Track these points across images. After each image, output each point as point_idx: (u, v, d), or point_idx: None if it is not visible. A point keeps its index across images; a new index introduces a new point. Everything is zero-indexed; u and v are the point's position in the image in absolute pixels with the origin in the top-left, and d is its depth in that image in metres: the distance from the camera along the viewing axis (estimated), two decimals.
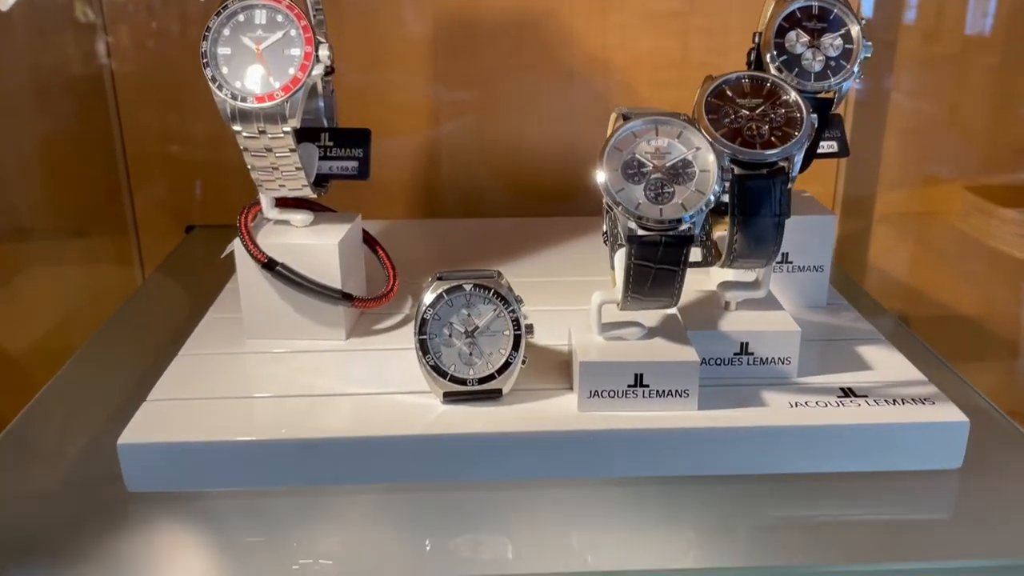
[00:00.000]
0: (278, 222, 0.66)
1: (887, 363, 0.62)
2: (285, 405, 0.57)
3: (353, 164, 0.66)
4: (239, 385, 0.60)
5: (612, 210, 0.53)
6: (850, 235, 1.08)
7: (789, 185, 0.56)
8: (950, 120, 1.07)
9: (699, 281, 0.68)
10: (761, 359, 0.58)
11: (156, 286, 0.90)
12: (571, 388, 0.58)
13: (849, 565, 0.49)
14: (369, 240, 0.71)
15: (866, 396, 0.57)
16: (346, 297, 0.63)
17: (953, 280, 1.08)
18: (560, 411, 0.55)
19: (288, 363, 0.62)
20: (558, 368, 0.60)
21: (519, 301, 0.56)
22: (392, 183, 1.02)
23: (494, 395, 0.56)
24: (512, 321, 0.55)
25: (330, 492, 0.54)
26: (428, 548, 0.50)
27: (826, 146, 0.70)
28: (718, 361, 0.59)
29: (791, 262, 0.69)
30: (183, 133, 1.00)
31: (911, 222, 1.09)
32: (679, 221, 0.50)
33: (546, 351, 0.63)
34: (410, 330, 0.58)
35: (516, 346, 0.55)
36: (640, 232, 0.51)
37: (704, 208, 0.50)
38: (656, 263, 0.51)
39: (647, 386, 0.54)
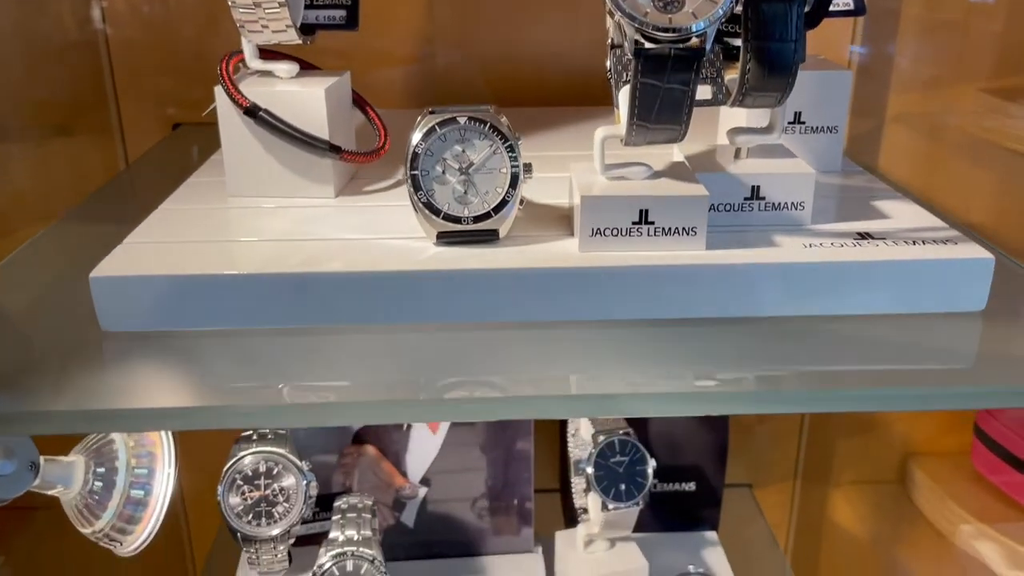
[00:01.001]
0: (262, 73, 0.62)
1: (906, 212, 0.58)
2: (270, 247, 0.54)
3: (341, 13, 0.62)
4: (222, 230, 0.57)
5: (617, 32, 0.50)
6: (860, 135, 1.05)
7: (806, 8, 0.52)
8: (965, 21, 1.03)
9: (708, 134, 0.64)
10: (773, 204, 0.55)
11: (139, 170, 0.87)
12: (572, 234, 0.54)
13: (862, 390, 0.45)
14: (359, 101, 0.67)
15: (884, 238, 0.54)
16: (333, 149, 0.60)
17: (968, 178, 1.05)
18: (560, 252, 0.52)
19: (274, 214, 0.59)
20: (559, 221, 0.57)
21: (517, 138, 0.53)
22: (384, 75, 0.99)
23: (490, 236, 0.53)
24: (509, 158, 0.52)
25: (318, 332, 0.50)
26: (421, 383, 0.47)
27: (841, 3, 0.67)
28: (728, 207, 0.55)
29: (804, 122, 0.65)
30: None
31: (924, 123, 1.05)
32: (689, 31, 0.47)
33: (546, 207, 0.59)
34: (404, 191, 0.55)
35: (513, 184, 0.52)
36: (647, 45, 0.47)
37: (717, 17, 0.47)
38: (665, 82, 0.48)
39: (652, 223, 0.51)
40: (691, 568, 0.77)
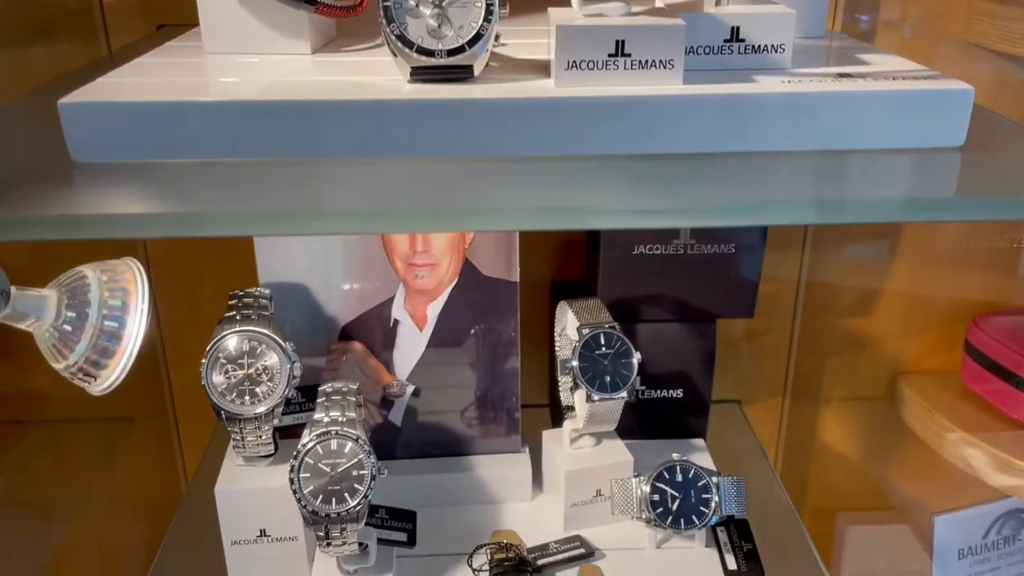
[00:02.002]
0: None
1: (890, 60, 0.58)
2: (245, 86, 0.54)
3: None
4: (198, 74, 0.56)
5: None
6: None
7: None
8: None
9: None
10: (753, 47, 0.55)
11: (120, 58, 0.86)
12: (550, 75, 0.54)
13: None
14: None
15: (864, 77, 0.54)
16: (308, 1, 0.59)
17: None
18: (536, 87, 0.52)
19: (250, 65, 0.59)
20: (538, 69, 0.56)
21: None
22: None
23: (465, 72, 0.52)
24: None
25: (291, 164, 0.50)
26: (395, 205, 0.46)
27: None
28: (706, 50, 0.55)
29: None
30: None
31: (909, 31, 1.05)
32: None
33: (527, 61, 0.58)
34: (383, 51, 0.54)
35: (488, 18, 0.52)
36: None
37: None
38: None
39: (629, 55, 0.51)
40: (675, 456, 0.77)
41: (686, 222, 0.42)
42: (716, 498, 0.77)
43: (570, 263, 1.04)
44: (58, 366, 0.45)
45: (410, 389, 0.87)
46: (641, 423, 0.95)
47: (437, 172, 0.48)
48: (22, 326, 0.45)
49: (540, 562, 0.79)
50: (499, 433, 0.89)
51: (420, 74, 0.52)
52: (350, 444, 0.70)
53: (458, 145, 0.50)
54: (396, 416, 0.88)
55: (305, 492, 0.69)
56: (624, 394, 0.81)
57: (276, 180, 0.47)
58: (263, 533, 0.76)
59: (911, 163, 0.49)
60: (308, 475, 0.69)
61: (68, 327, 0.43)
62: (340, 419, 0.71)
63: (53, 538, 1.09)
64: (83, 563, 1.10)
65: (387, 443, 0.88)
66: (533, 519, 0.86)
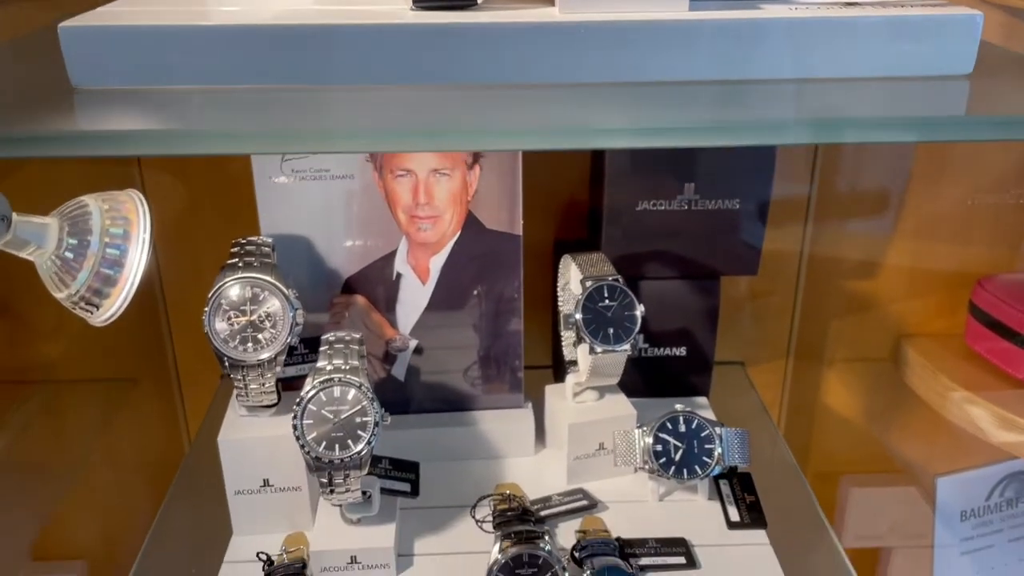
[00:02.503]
0: None
1: None
2: (250, 12, 0.52)
3: None
4: (201, 2, 0.56)
5: None
6: None
7: None
8: None
9: None
10: None
11: None
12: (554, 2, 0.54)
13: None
14: None
15: (872, 4, 0.53)
16: None
17: None
18: (540, 14, 0.51)
19: None
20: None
21: None
22: None
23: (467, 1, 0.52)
24: None
25: (293, 90, 0.49)
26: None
27: None
28: None
29: None
30: None
31: None
32: None
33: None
34: None
35: None
36: None
37: None
38: None
39: None
40: (678, 406, 0.77)
41: (691, 141, 0.41)
42: (719, 448, 0.77)
43: (573, 225, 1.03)
44: (60, 295, 0.45)
45: (413, 344, 0.87)
46: (644, 381, 0.95)
47: (440, 97, 0.48)
48: (23, 254, 0.45)
49: (543, 513, 0.80)
50: (502, 389, 0.89)
51: (423, 0, 0.52)
52: (353, 391, 0.70)
53: (462, 72, 0.49)
54: (399, 371, 0.88)
55: (308, 438, 0.69)
56: (627, 347, 0.81)
57: (277, 104, 0.47)
58: (266, 483, 0.76)
59: (919, 88, 0.49)
60: (311, 422, 0.69)
61: (70, 254, 0.43)
62: (343, 367, 0.71)
63: (55, 498, 1.09)
64: (86, 521, 1.10)
65: (390, 398, 0.88)
66: (536, 473, 0.86)
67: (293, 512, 0.77)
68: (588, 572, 0.65)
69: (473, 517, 0.79)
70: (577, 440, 0.83)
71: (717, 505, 0.82)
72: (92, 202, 0.46)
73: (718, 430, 0.77)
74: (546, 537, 0.68)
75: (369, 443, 0.69)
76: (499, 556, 0.67)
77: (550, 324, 1.01)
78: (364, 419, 0.70)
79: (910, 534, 1.14)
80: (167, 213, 0.99)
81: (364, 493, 0.74)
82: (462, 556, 0.76)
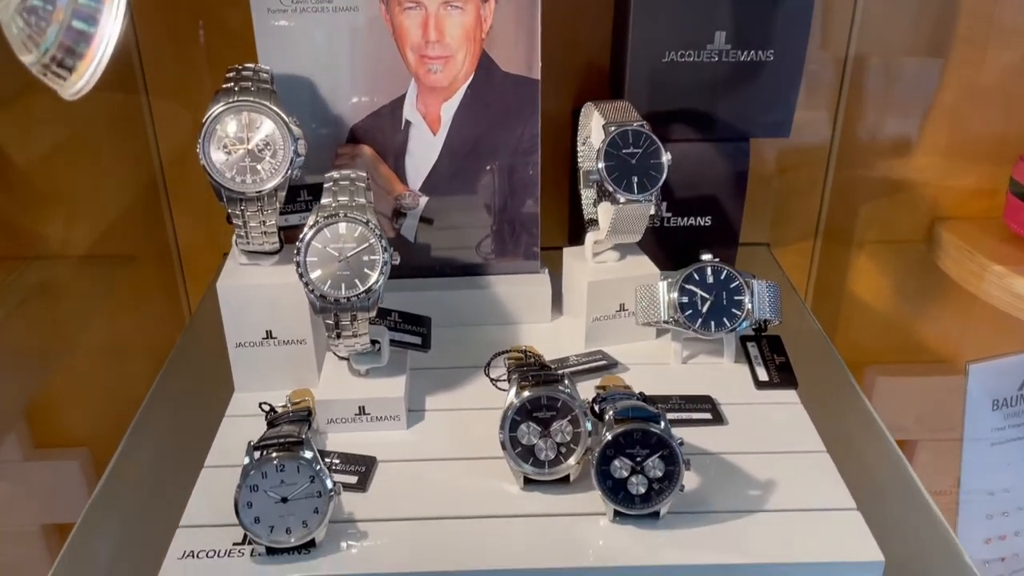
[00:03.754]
0: None
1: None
2: None
3: None
4: None
5: None
6: None
7: None
8: None
9: None
10: None
11: None
12: None
13: None
14: None
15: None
16: None
17: None
18: None
19: None
20: None
21: None
22: None
23: None
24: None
25: None
26: None
27: None
28: None
29: None
30: None
31: None
32: None
33: None
34: None
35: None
36: None
37: None
38: None
39: None
40: (706, 256, 0.72)
41: None
42: (749, 301, 0.73)
43: (593, 92, 0.97)
44: (28, 59, 0.39)
45: (423, 201, 0.82)
46: (666, 254, 0.90)
47: None
48: None
49: (560, 372, 0.76)
50: (517, 252, 0.84)
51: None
52: (360, 228, 0.65)
53: None
54: (409, 231, 0.83)
55: (312, 276, 0.65)
56: (652, 199, 0.76)
57: None
58: (269, 335, 0.72)
59: None
60: (315, 259, 0.65)
61: (38, 2, 0.37)
62: (349, 204, 0.66)
63: (53, 379, 1.06)
64: (85, 404, 1.07)
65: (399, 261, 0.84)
66: (553, 338, 0.82)
67: (297, 367, 0.74)
68: (610, 412, 0.61)
69: (487, 375, 0.75)
70: (596, 299, 0.79)
71: (744, 367, 0.77)
72: None
73: (749, 281, 0.72)
74: (566, 381, 0.64)
75: (378, 282, 0.65)
76: (515, 400, 0.63)
77: (566, 201, 0.95)
78: (372, 257, 0.65)
79: (938, 425, 1.10)
80: (166, 89, 0.94)
81: (373, 343, 0.70)
82: (475, 412, 0.72)
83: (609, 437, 0.60)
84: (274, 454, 0.57)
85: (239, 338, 0.72)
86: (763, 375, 0.75)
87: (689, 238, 0.92)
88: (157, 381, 0.81)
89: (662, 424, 0.60)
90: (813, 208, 1.05)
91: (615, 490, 0.60)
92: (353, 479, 0.64)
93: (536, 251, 0.84)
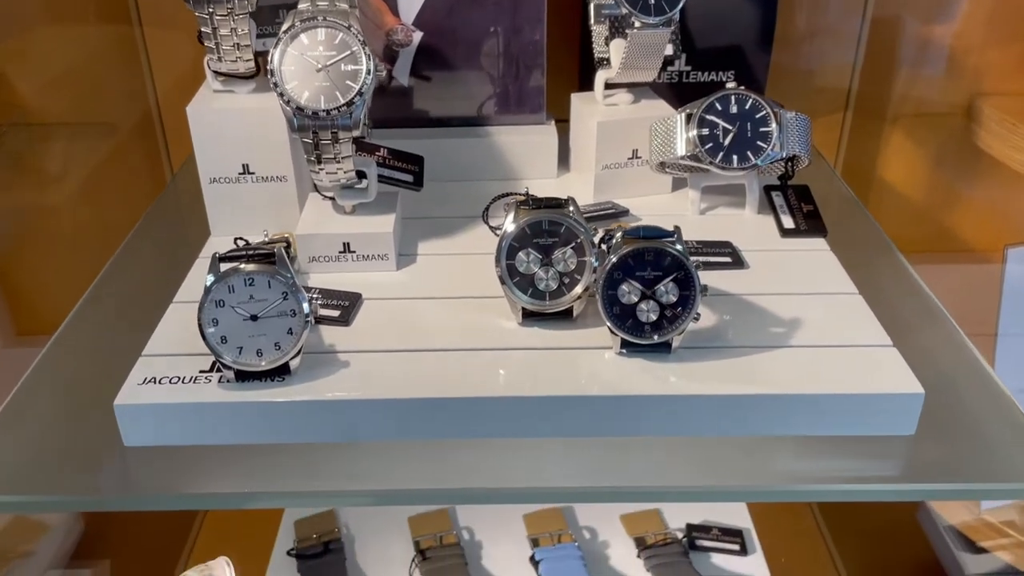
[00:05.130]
0: None
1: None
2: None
3: None
4: None
5: None
6: None
7: None
8: None
9: None
10: None
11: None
12: None
13: None
14: None
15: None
16: None
17: None
18: None
19: None
20: None
21: None
22: None
23: None
24: None
25: None
26: None
27: None
28: None
29: None
30: None
31: None
32: None
33: None
34: None
35: None
36: None
37: None
38: None
39: None
40: (730, 84, 0.65)
41: None
42: (777, 133, 0.65)
43: None
44: None
45: (417, 36, 0.75)
46: None
47: None
48: None
49: (564, 197, 0.69)
50: (521, 102, 0.77)
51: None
52: (341, 35, 0.58)
53: None
54: (402, 73, 0.76)
55: (288, 87, 0.58)
56: (670, 27, 0.68)
57: None
58: (246, 170, 0.66)
59: None
60: (292, 68, 0.58)
61: None
62: (329, 8, 0.59)
63: (31, 253, 1.01)
64: (68, 285, 1.02)
65: (391, 108, 0.77)
66: (558, 193, 0.75)
67: (278, 208, 0.67)
68: (619, 233, 0.55)
69: (485, 222, 0.69)
70: (606, 144, 0.72)
71: (768, 218, 0.70)
72: None
73: (777, 111, 0.65)
74: (571, 208, 0.57)
75: (361, 94, 0.58)
76: (512, 226, 0.57)
77: (575, 72, 0.88)
78: (354, 67, 0.58)
79: (974, 308, 1.03)
80: None
81: (359, 175, 0.64)
82: (472, 256, 0.65)
83: (616, 258, 0.53)
84: (242, 266, 0.51)
85: (213, 172, 0.66)
86: (789, 223, 0.68)
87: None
88: (134, 230, 0.76)
89: (677, 245, 0.54)
90: (844, 76, 0.96)
91: (622, 317, 0.54)
92: (335, 312, 0.59)
93: (542, 106, 0.77)
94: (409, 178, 0.67)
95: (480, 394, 0.51)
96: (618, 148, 0.72)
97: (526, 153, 0.76)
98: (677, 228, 0.54)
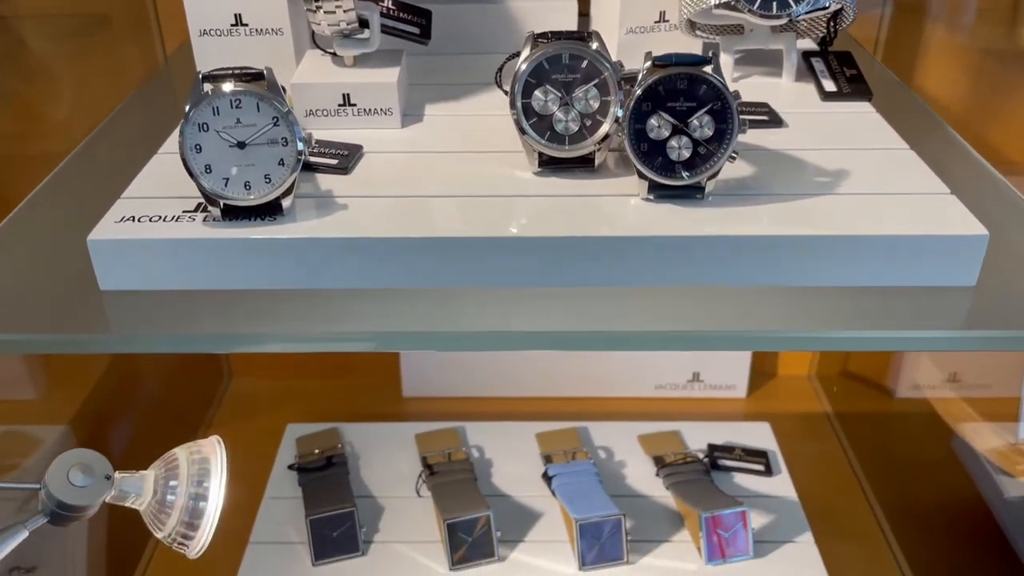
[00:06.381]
0: None
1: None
2: None
3: None
4: None
5: None
6: None
7: None
8: None
9: None
10: None
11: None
12: None
13: None
14: None
15: None
16: None
17: None
18: None
19: None
20: None
21: None
22: None
23: None
24: None
25: None
26: None
27: None
28: None
29: None
30: None
31: None
32: None
33: None
34: None
35: None
36: None
37: None
38: None
39: None
40: None
41: None
42: None
43: None
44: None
45: None
46: None
47: None
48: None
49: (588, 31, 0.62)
50: None
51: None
52: None
53: None
54: None
55: None
56: None
57: None
58: (239, 21, 0.61)
59: None
60: None
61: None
62: None
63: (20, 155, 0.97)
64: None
65: None
66: None
67: (273, 64, 0.62)
68: (648, 61, 0.49)
69: (498, 84, 0.63)
70: (631, 4, 0.65)
71: (808, 84, 0.64)
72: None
73: None
74: (594, 44, 0.52)
75: None
76: (529, 61, 0.51)
77: None
78: None
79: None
80: None
81: (361, 23, 0.59)
82: (484, 116, 0.60)
83: (644, 87, 0.48)
84: (228, 86, 0.46)
85: (203, 24, 0.60)
86: (830, 86, 0.62)
87: None
88: (123, 105, 0.70)
89: (714, 72, 0.48)
90: None
91: (651, 155, 0.48)
92: (334, 161, 0.54)
93: None
94: (415, 30, 0.62)
95: (488, 234, 0.46)
96: (644, 9, 0.66)
97: (543, 21, 0.70)
98: (714, 53, 0.48)
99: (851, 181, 0.51)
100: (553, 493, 0.86)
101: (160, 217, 0.47)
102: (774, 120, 0.58)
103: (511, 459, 0.92)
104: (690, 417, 1.01)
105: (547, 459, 0.91)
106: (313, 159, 0.52)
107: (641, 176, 0.49)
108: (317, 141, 0.55)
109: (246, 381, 1.16)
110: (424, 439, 0.94)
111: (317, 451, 0.92)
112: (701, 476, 0.89)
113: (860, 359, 1.16)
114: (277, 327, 0.46)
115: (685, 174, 0.48)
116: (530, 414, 1.03)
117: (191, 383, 1.16)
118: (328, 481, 0.87)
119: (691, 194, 0.49)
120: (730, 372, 1.08)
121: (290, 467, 0.90)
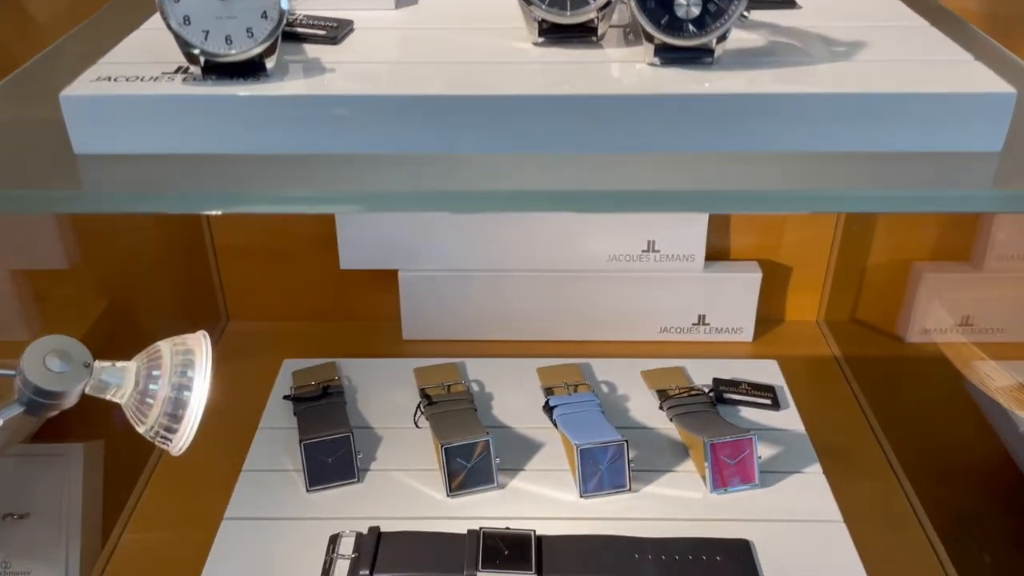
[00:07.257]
0: None
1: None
2: None
3: None
4: None
5: None
6: None
7: None
8: None
9: None
10: None
11: None
12: None
13: None
14: None
15: None
16: None
17: None
18: None
19: None
20: None
21: None
22: None
23: None
24: None
25: None
26: None
27: None
28: None
29: None
30: None
31: None
32: None
33: None
34: None
35: None
36: None
37: None
38: None
39: None
40: None
41: None
42: None
43: None
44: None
45: None
46: None
47: None
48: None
49: None
50: None
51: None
52: None
53: None
54: None
55: None
56: None
57: None
58: None
59: None
60: None
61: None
62: None
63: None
64: None
65: None
66: None
67: None
68: None
69: None
70: None
71: None
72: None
73: None
74: None
75: None
76: None
77: None
78: None
79: None
80: None
81: None
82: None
83: None
84: None
85: None
86: None
87: None
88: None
89: None
90: None
91: (657, 13, 0.46)
92: (322, 32, 0.51)
93: None
94: None
95: (486, 92, 0.44)
96: None
97: None
98: None
99: (869, 50, 0.48)
100: (555, 424, 0.84)
101: (139, 77, 0.45)
102: (786, 0, 0.55)
103: (512, 393, 0.90)
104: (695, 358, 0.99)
105: (548, 391, 0.88)
106: (300, 29, 0.50)
107: (647, 38, 0.46)
108: (305, 15, 0.53)
109: (242, 324, 1.15)
110: (423, 372, 0.92)
111: (313, 383, 0.90)
112: (706, 408, 0.86)
113: (869, 304, 1.13)
114: (258, 189, 0.44)
115: (694, 30, 0.45)
116: (532, 356, 1.01)
117: (186, 325, 1.14)
118: (324, 409, 0.84)
119: (699, 57, 0.46)
120: (736, 315, 1.06)
121: (285, 397, 0.88)
